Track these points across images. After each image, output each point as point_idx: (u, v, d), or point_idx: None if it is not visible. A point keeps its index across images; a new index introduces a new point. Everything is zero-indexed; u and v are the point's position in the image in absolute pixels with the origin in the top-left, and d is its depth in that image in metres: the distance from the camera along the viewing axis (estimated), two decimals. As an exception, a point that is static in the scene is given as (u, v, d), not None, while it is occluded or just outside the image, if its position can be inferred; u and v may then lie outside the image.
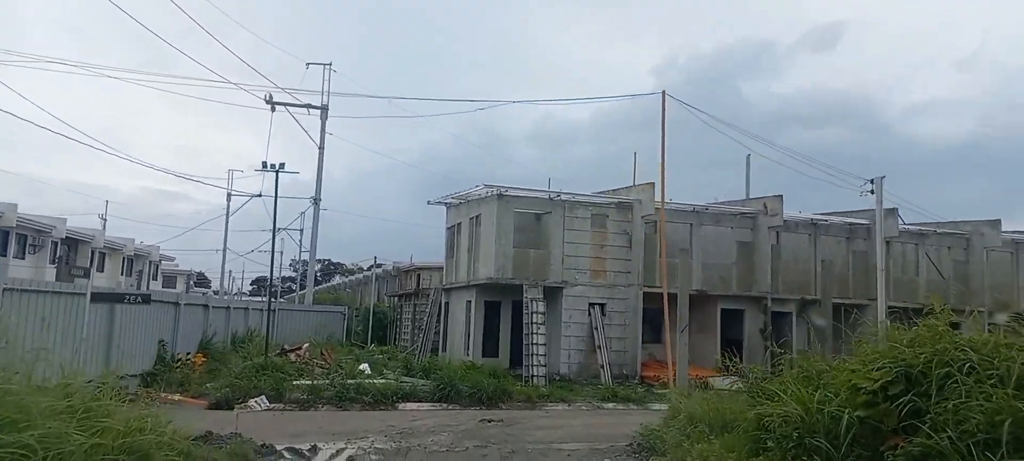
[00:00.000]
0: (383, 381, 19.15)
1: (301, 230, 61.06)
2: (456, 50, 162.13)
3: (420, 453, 11.44)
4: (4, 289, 14.40)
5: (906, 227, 28.72)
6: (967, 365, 6.58)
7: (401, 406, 17.57)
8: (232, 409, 16.58)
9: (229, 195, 58.71)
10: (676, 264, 26.86)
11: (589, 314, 24.95)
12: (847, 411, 7.60)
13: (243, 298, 61.69)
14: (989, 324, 9.93)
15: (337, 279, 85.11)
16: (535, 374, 22.34)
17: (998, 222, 29.71)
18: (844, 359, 9.68)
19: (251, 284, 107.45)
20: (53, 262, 37.09)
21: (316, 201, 37.20)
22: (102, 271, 45.02)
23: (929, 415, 6.52)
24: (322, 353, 23.20)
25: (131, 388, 18.79)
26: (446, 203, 29.11)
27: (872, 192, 21.16)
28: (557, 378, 23.39)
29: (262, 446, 10.59)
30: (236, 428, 10.78)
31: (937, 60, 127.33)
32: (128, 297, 15.31)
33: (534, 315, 23.36)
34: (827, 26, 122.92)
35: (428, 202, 29.29)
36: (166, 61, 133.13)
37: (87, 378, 7.18)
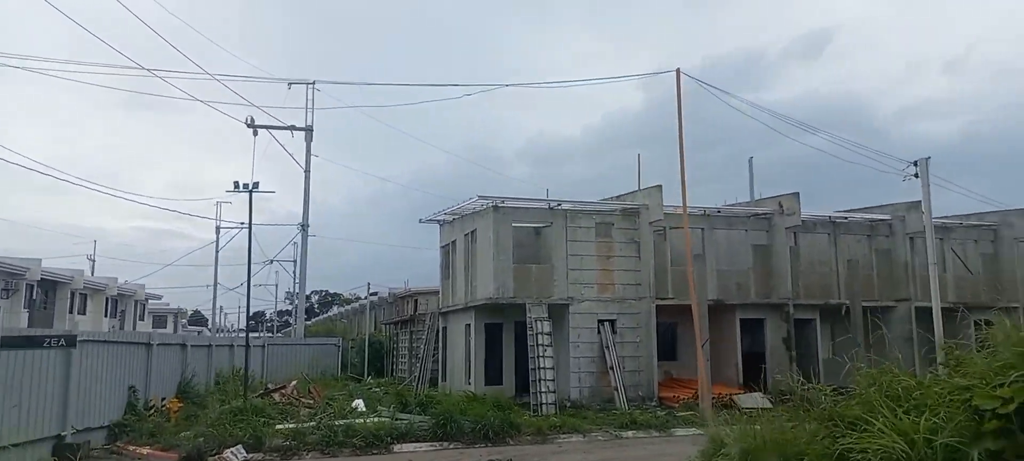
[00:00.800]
0: (375, 420, 17.17)
1: (294, 261, 59.21)
2: (449, 74, 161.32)
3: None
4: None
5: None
6: None
7: (396, 448, 15.59)
8: (204, 462, 14.64)
9: (218, 228, 57.01)
10: (686, 272, 25.03)
11: (598, 332, 23.03)
12: (970, 444, 5.70)
13: (235, 335, 59.63)
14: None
15: (335, 310, 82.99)
16: (543, 402, 20.38)
17: (1025, 211, 27.92)
18: (936, 372, 7.80)
19: (248, 319, 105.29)
20: (27, 306, 35.07)
21: (304, 227, 35.35)
22: (84, 314, 42.98)
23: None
24: (310, 390, 21.22)
25: (94, 442, 17.04)
26: (439, 220, 27.26)
27: (916, 176, 19.31)
28: (568, 405, 21.42)
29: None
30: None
31: (926, 62, 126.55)
32: (47, 340, 13.33)
33: (539, 336, 21.44)
34: (814, 33, 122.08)
35: (420, 220, 27.49)
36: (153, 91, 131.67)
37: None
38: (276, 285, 74.45)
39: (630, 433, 17.47)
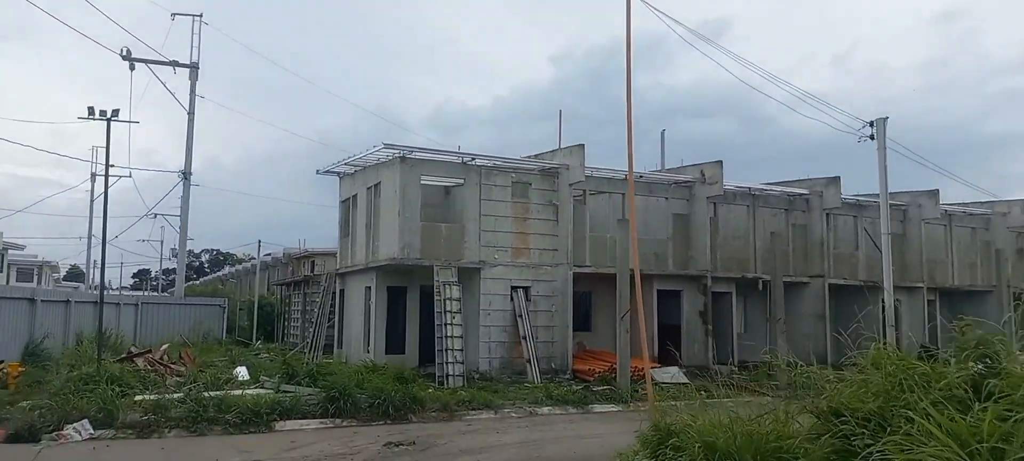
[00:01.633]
0: (255, 393, 14.82)
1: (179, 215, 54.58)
2: (351, 36, 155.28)
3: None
4: None
5: (844, 199, 26.55)
6: None
7: (279, 425, 13.36)
8: (38, 441, 12.00)
9: (93, 176, 52.00)
10: (606, 239, 23.66)
11: (511, 299, 21.32)
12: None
13: (116, 293, 54.66)
14: None
15: (227, 270, 78.05)
16: (450, 373, 18.52)
17: (936, 193, 28.06)
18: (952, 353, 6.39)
19: (132, 277, 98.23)
20: None
21: (185, 175, 31.85)
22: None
23: None
24: (181, 355, 18.53)
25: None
26: (338, 171, 24.72)
27: (872, 137, 18.35)
28: (476, 377, 19.66)
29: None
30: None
31: (815, 55, 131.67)
32: None
33: (448, 302, 19.51)
34: (712, 21, 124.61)
35: (317, 171, 24.85)
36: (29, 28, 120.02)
37: None
38: (161, 242, 68.88)
39: (545, 409, 15.88)
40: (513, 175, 22.11)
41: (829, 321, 25.67)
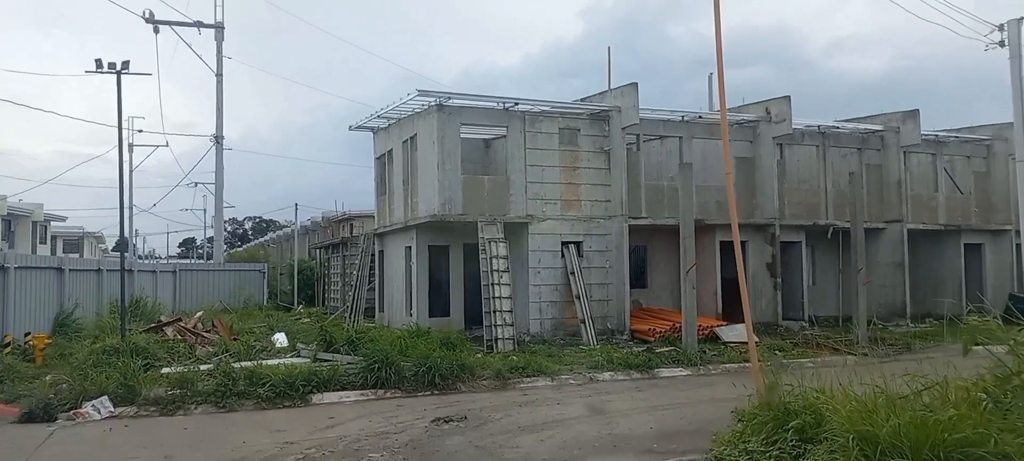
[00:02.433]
0: (289, 362, 13.55)
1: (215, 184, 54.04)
2: (378, 5, 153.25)
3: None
4: None
5: (923, 135, 24.16)
6: None
7: (316, 398, 12.08)
8: (54, 420, 10.90)
9: (130, 146, 51.77)
10: (663, 188, 21.83)
11: (562, 256, 19.71)
12: None
13: (163, 261, 54.57)
14: None
15: (269, 236, 77.89)
16: (499, 336, 17.06)
17: (1023, 125, 25.40)
18: None
19: (178, 246, 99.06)
20: None
21: (218, 139, 30.79)
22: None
23: None
24: (214, 323, 17.41)
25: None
26: (372, 127, 23.21)
27: (1002, 43, 15.83)
28: (527, 340, 18.18)
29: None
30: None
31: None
32: None
33: (494, 260, 17.98)
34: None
35: (349, 128, 23.31)
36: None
37: None
38: (204, 210, 68.79)
39: (606, 375, 14.31)
40: (560, 120, 20.34)
41: (907, 269, 23.56)
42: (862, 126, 24.03)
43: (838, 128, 23.73)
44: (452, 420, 10.12)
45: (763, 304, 21.63)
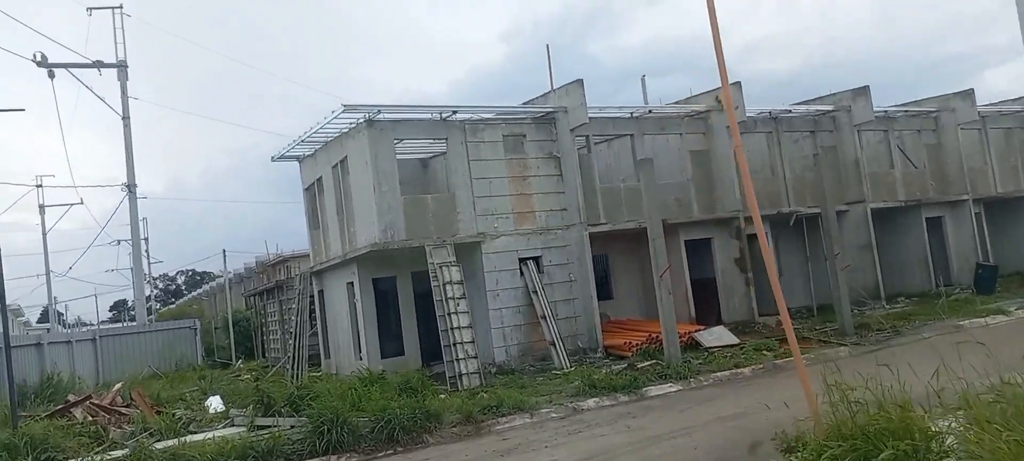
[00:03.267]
0: (221, 437, 11.43)
1: (145, 237, 50.47)
2: (300, 25, 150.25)
3: None
4: None
5: (874, 112, 23.47)
6: None
7: (254, 478, 10.04)
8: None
9: (41, 207, 48.17)
10: (619, 190, 20.45)
11: (521, 274, 18.05)
12: None
13: (82, 329, 50.54)
14: None
15: (202, 288, 73.77)
16: (463, 371, 15.25)
17: (970, 93, 25.06)
18: None
19: (110, 310, 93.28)
20: None
21: (131, 187, 28.09)
22: None
23: None
24: (133, 396, 15.06)
25: None
26: (297, 155, 21.17)
27: None
28: (494, 371, 16.43)
29: None
30: None
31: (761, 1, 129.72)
32: None
33: (448, 287, 16.18)
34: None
35: (272, 159, 21.21)
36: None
37: None
38: (131, 268, 64.54)
39: (591, 402, 12.64)
40: (503, 127, 18.75)
41: (875, 250, 22.75)
42: (813, 107, 23.23)
43: (790, 112, 22.86)
44: (424, 488, 8.29)
45: (736, 302, 20.41)
